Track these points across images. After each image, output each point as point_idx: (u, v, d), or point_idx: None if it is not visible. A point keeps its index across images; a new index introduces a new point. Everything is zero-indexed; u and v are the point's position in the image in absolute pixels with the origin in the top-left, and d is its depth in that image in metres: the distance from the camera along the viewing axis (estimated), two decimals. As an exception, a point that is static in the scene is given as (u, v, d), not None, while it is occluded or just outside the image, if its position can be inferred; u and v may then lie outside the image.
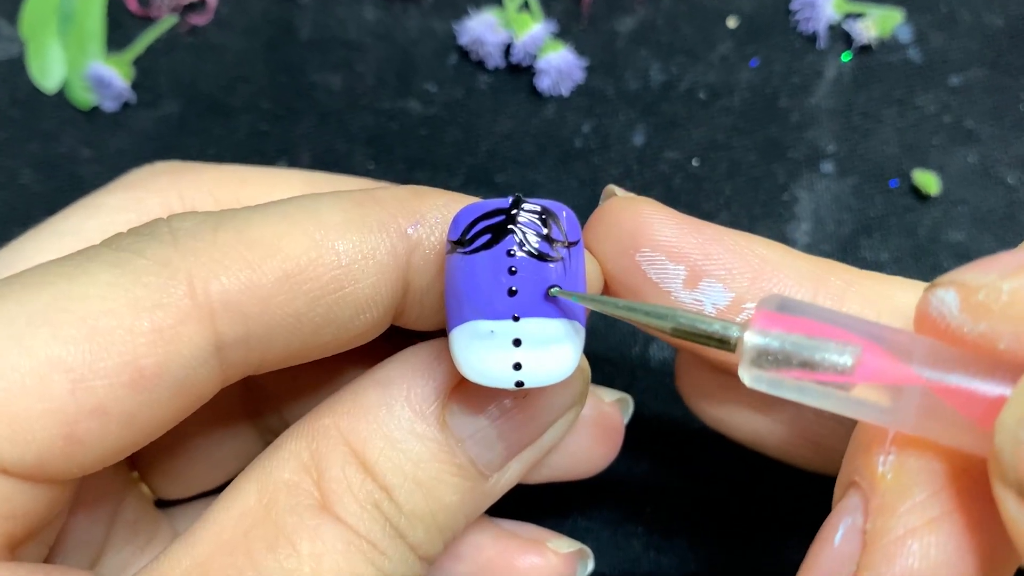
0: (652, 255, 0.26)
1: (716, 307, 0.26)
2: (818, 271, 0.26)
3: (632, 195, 0.28)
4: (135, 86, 0.44)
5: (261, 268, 0.23)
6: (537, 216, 0.23)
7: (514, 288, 0.23)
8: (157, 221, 0.24)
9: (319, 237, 0.24)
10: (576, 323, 0.24)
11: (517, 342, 0.23)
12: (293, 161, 0.41)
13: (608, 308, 0.23)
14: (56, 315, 0.22)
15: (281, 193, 0.30)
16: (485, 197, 0.26)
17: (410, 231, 0.25)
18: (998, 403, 0.20)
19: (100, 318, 0.22)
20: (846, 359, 0.21)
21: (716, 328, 0.22)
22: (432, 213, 0.25)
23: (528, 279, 0.23)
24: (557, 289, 0.23)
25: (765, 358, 0.21)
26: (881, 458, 0.22)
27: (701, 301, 0.26)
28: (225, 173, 0.32)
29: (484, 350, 0.23)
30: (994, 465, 0.20)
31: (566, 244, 0.24)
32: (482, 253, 0.23)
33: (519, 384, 0.23)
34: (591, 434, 0.31)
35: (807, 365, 0.21)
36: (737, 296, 0.26)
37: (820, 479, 0.29)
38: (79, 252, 0.24)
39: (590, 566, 0.33)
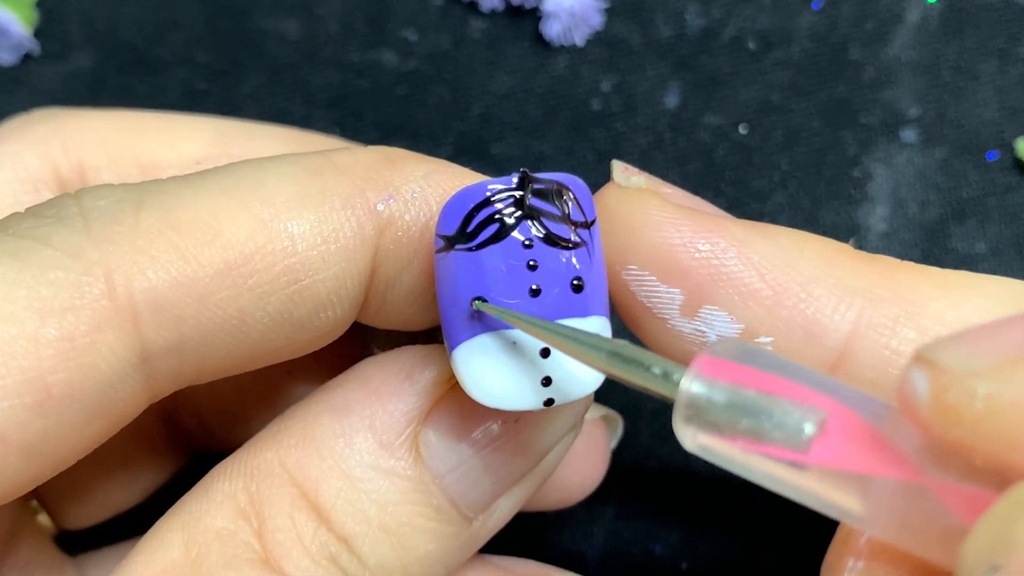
0: (640, 274, 0.26)
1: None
2: (871, 285, 0.25)
3: (633, 180, 0.27)
4: (38, 33, 0.43)
5: (196, 258, 0.23)
6: (551, 194, 0.23)
7: (536, 287, 0.23)
8: (63, 199, 0.23)
9: (267, 217, 0.23)
10: (604, 319, 0.24)
11: (546, 352, 0.23)
12: None
13: (536, 330, 0.23)
14: None
15: (186, 144, 0.31)
16: (479, 172, 0.26)
17: (380, 207, 0.24)
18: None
19: None
20: (805, 427, 0.20)
21: (656, 371, 0.21)
22: (408, 185, 0.25)
23: (551, 273, 0.23)
24: (479, 302, 0.23)
25: (704, 416, 0.20)
26: (850, 562, 0.22)
27: (704, 332, 0.26)
28: (117, 120, 0.32)
29: (505, 367, 0.23)
30: None
31: (586, 224, 0.23)
32: (491, 248, 0.23)
33: (548, 402, 0.23)
34: (566, 459, 0.30)
35: (757, 433, 0.20)
36: (748, 327, 0.25)
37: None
38: None
39: None
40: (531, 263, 0.23)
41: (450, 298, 0.23)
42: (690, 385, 0.20)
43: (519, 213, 0.23)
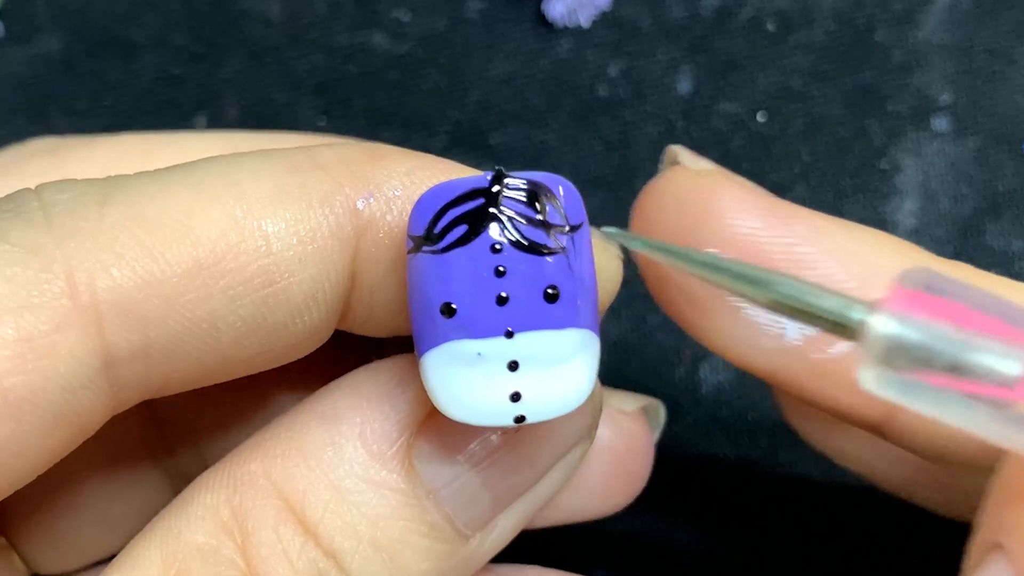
0: None
1: (803, 334, 0.26)
2: None
3: (703, 164, 0.27)
4: (3, 14, 0.42)
5: (164, 256, 0.22)
6: (526, 194, 0.23)
7: (504, 294, 0.22)
8: (23, 193, 0.23)
9: (241, 214, 0.23)
10: (588, 332, 0.23)
11: (513, 365, 0.22)
12: (216, 115, 0.41)
13: (676, 261, 0.23)
14: None
15: None
16: (476, 164, 0.26)
17: (360, 205, 0.24)
18: None
19: None
20: (1011, 365, 0.19)
21: (831, 306, 0.21)
22: (390, 182, 0.24)
23: (522, 280, 0.22)
24: (613, 229, 0.24)
25: (899, 354, 0.20)
26: None
27: (780, 323, 0.26)
28: (122, 147, 0.32)
29: (470, 379, 0.23)
30: None
31: (567, 229, 0.23)
32: (457, 251, 0.23)
33: (519, 419, 0.23)
34: (606, 460, 0.30)
35: (956, 369, 0.20)
36: None
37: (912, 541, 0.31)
38: None
39: None
40: (499, 269, 0.22)
41: (417, 302, 0.23)
42: (881, 324, 0.20)
43: (489, 214, 0.23)
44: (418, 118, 0.40)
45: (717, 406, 0.37)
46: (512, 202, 0.23)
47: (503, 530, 0.26)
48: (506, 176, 0.23)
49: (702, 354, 0.37)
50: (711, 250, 0.25)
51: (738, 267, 0.22)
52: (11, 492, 0.23)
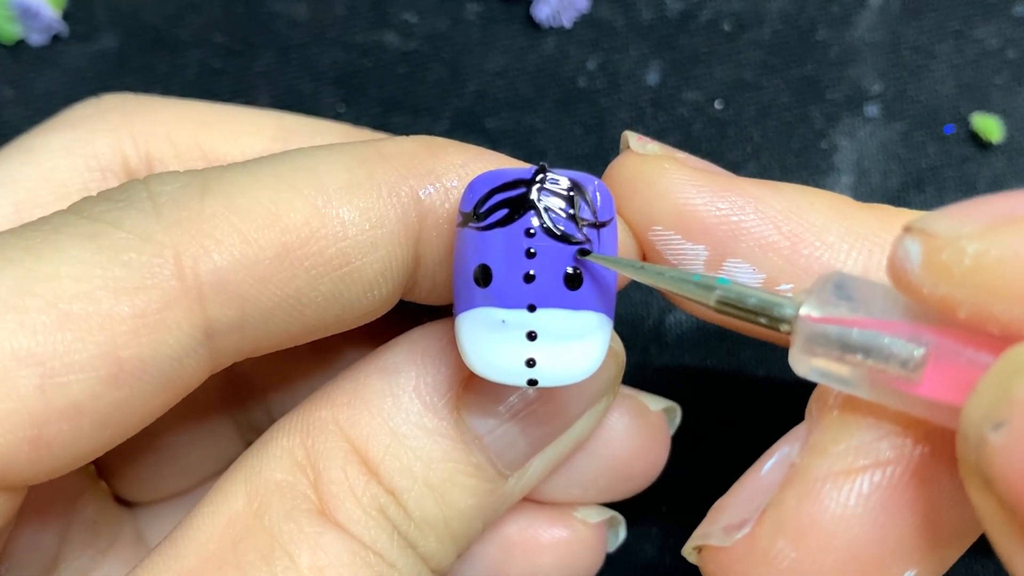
0: (666, 233, 0.27)
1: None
2: (876, 230, 0.27)
3: (649, 148, 0.28)
4: (67, 16, 0.44)
5: (257, 242, 0.24)
6: (563, 190, 0.24)
7: (531, 273, 0.24)
8: (133, 184, 0.25)
9: (321, 204, 0.24)
10: (603, 316, 0.25)
11: (532, 335, 0.24)
12: (250, 104, 0.40)
13: (643, 275, 0.24)
14: (21, 299, 0.22)
15: (249, 138, 0.31)
16: (475, 146, 0.27)
17: (422, 195, 0.25)
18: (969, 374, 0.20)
19: (73, 302, 0.22)
20: (915, 349, 0.21)
21: (764, 304, 0.22)
22: (449, 174, 0.26)
23: (548, 264, 0.24)
24: (586, 252, 0.24)
25: (821, 342, 0.21)
26: (836, 390, 0.23)
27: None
28: (184, 111, 0.32)
29: (494, 341, 0.24)
30: (961, 449, 0.20)
31: (595, 224, 0.24)
32: (497, 231, 0.24)
33: (532, 382, 0.24)
34: (634, 448, 0.31)
35: (869, 354, 0.21)
36: (769, 276, 0.27)
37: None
38: (43, 220, 0.24)
39: (622, 534, 0.34)
40: (530, 251, 0.24)
41: (459, 269, 0.25)
42: (804, 322, 0.21)
43: (528, 203, 0.24)
44: (424, 105, 0.42)
45: (681, 352, 0.38)
46: (550, 194, 0.24)
47: (536, 471, 0.28)
48: (548, 171, 0.24)
49: (669, 307, 0.39)
50: (666, 265, 0.26)
51: (683, 275, 0.23)
52: (119, 443, 0.24)
